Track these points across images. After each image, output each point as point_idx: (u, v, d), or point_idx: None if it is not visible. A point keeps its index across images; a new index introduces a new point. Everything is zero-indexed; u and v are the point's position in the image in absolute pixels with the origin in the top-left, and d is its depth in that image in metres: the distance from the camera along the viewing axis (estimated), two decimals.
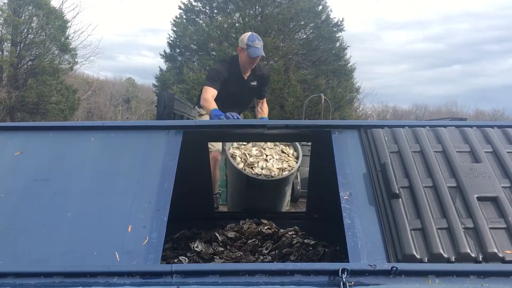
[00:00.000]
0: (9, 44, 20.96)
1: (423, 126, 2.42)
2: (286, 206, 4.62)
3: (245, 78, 4.55)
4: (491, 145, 2.27)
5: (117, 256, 1.86)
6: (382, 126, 2.41)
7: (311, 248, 3.11)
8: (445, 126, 2.41)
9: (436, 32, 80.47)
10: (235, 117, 3.65)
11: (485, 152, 2.23)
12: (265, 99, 4.91)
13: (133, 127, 2.47)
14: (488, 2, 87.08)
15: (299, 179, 6.86)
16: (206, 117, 4.60)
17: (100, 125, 2.49)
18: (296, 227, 3.49)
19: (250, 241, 3.19)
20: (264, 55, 4.47)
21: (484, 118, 41.05)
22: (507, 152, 2.22)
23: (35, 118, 20.38)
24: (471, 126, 2.42)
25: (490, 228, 1.89)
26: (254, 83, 4.62)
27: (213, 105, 4.09)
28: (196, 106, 4.89)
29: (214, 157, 4.50)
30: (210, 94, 4.23)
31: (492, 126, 2.41)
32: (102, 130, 2.44)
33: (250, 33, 4.54)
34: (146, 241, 1.92)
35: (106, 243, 1.92)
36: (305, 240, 3.21)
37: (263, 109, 4.85)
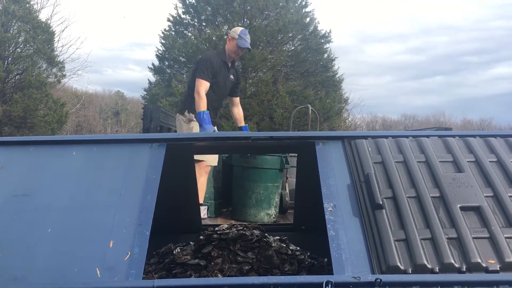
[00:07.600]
0: None
1: (407, 137, 2.42)
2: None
3: (229, 66, 4.99)
4: (473, 154, 2.28)
5: (98, 272, 1.83)
6: (365, 137, 2.42)
7: (298, 260, 3.07)
8: (428, 136, 2.42)
9: (416, 44, 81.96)
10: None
11: (467, 161, 2.24)
12: (238, 98, 5.30)
13: (116, 141, 2.44)
14: (464, 16, 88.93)
15: (287, 190, 6.84)
16: (195, 125, 4.66)
17: (82, 138, 2.46)
18: (284, 238, 3.45)
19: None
20: (250, 48, 5.01)
21: (472, 127, 41.45)
22: (489, 161, 2.23)
23: (22, 132, 20.15)
24: (453, 136, 2.43)
25: (474, 237, 1.89)
26: (232, 77, 5.04)
27: (205, 106, 4.52)
28: (186, 111, 4.89)
29: (205, 166, 4.63)
30: (204, 88, 4.63)
31: (474, 136, 2.43)
32: (84, 143, 2.41)
33: (242, 28, 5.14)
34: (128, 256, 1.89)
35: (87, 259, 1.88)
36: (293, 252, 3.18)
37: (240, 112, 5.22)
